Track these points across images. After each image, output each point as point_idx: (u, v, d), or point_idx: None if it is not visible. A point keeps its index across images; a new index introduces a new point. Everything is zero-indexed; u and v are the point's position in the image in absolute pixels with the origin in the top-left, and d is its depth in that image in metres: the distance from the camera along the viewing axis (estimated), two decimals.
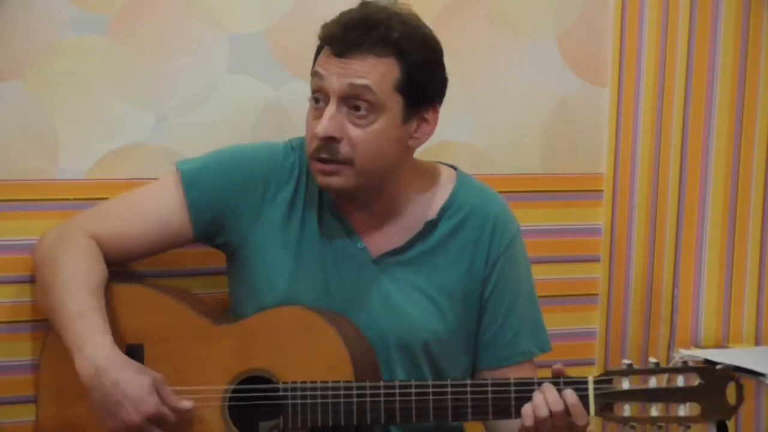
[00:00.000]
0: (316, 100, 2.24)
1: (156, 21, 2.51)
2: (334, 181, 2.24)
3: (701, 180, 2.79)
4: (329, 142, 2.21)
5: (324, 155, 2.22)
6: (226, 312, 2.42)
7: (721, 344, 2.82)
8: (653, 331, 2.81)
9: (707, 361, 2.66)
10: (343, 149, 2.21)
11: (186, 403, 2.19)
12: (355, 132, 2.20)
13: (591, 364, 2.87)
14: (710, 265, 2.81)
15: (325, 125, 2.20)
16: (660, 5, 2.76)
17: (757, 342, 2.84)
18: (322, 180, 2.25)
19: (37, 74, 2.44)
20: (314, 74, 2.24)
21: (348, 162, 2.22)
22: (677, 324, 2.79)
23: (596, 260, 2.87)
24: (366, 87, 2.19)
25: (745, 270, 2.82)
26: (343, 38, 2.20)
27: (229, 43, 2.56)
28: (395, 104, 2.22)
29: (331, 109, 2.20)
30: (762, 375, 2.57)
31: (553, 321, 2.73)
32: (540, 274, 2.68)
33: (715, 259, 2.81)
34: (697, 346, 2.80)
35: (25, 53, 2.43)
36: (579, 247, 2.85)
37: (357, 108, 2.20)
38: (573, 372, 2.80)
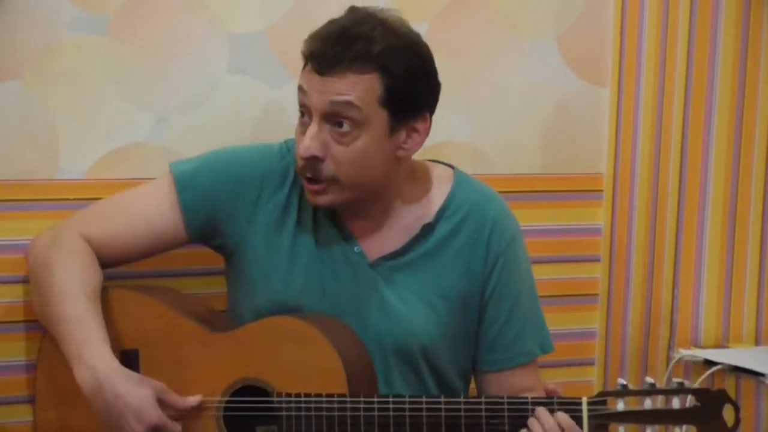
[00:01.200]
0: (302, 114, 2.22)
1: (156, 21, 2.51)
2: (323, 198, 2.22)
3: (701, 180, 2.79)
4: (313, 161, 2.18)
5: (309, 175, 2.20)
6: (221, 315, 2.42)
7: (721, 344, 2.82)
8: (653, 331, 2.81)
9: (707, 362, 2.66)
10: (327, 168, 2.19)
11: (192, 399, 2.20)
12: (337, 150, 2.18)
13: (591, 364, 2.87)
14: (710, 265, 2.81)
15: (306, 145, 2.17)
16: (660, 5, 2.76)
17: (757, 342, 2.84)
18: (311, 198, 2.24)
19: (37, 74, 2.44)
20: (299, 88, 2.21)
21: (333, 180, 2.20)
22: (677, 324, 2.79)
23: (596, 260, 2.87)
24: (348, 103, 2.15)
25: (745, 270, 2.82)
26: (322, 55, 2.16)
27: (229, 43, 2.56)
28: (379, 119, 2.18)
29: (313, 129, 2.17)
30: (762, 375, 2.57)
31: (553, 321, 2.72)
32: (540, 274, 2.68)
33: (715, 259, 2.81)
34: (697, 346, 2.80)
35: (25, 53, 2.43)
36: (579, 247, 2.85)
37: (340, 125, 2.17)
38: (573, 372, 2.83)
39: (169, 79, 2.53)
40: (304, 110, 2.20)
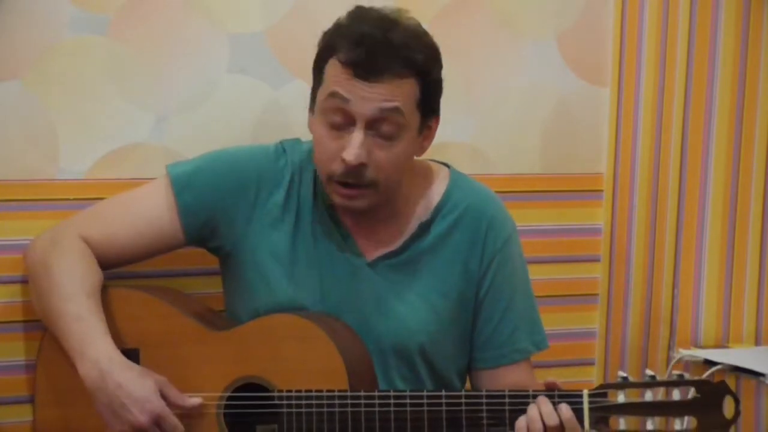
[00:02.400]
0: (333, 120, 2.19)
1: (156, 21, 2.51)
2: (357, 203, 2.23)
3: (701, 180, 2.79)
4: (358, 168, 2.18)
5: (351, 180, 2.20)
6: (221, 314, 2.42)
7: (721, 344, 2.82)
8: (653, 331, 2.81)
9: (707, 362, 2.66)
10: (370, 174, 2.19)
11: (194, 400, 2.20)
12: (380, 155, 2.19)
13: (591, 364, 2.87)
14: (710, 265, 2.81)
15: (356, 153, 2.16)
16: (660, 5, 2.76)
17: (757, 342, 2.84)
18: (344, 202, 2.23)
19: (37, 74, 2.44)
20: (334, 95, 2.18)
21: (374, 185, 2.20)
22: (677, 324, 2.79)
23: (596, 260, 2.87)
24: (396, 109, 2.17)
25: (745, 270, 2.82)
26: (368, 62, 2.15)
27: (229, 43, 2.56)
28: (415, 121, 2.21)
29: (359, 136, 2.17)
30: (762, 375, 2.57)
31: (553, 321, 2.73)
32: (540, 274, 2.69)
33: (715, 259, 2.81)
34: (697, 346, 2.80)
35: (25, 53, 2.43)
36: (579, 247, 2.85)
37: (384, 130, 2.18)
38: (573, 372, 2.83)
39: (169, 79, 2.53)
40: (340, 117, 2.18)
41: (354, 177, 2.19)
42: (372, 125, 2.18)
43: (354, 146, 2.17)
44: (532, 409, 2.12)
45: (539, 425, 2.11)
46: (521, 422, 2.13)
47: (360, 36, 2.17)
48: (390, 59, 2.16)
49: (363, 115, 2.17)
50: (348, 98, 2.17)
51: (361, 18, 2.21)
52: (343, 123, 2.18)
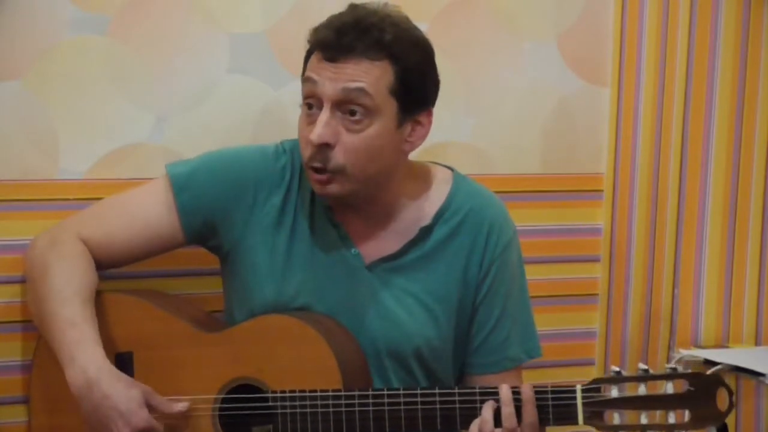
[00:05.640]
0: (309, 106, 2.21)
1: (156, 21, 2.51)
2: (330, 188, 2.22)
3: (701, 180, 2.79)
4: (323, 148, 2.18)
5: (317, 164, 2.20)
6: (213, 316, 2.42)
7: (721, 344, 2.82)
8: (653, 331, 2.81)
9: (707, 362, 2.66)
10: (336, 157, 2.18)
11: (181, 405, 2.20)
12: (349, 138, 2.18)
13: (591, 364, 2.87)
14: (710, 265, 2.81)
15: (319, 132, 2.17)
16: (660, 5, 2.76)
17: (757, 342, 2.84)
18: (318, 189, 2.23)
19: (37, 74, 2.44)
20: (306, 80, 2.21)
21: (340, 170, 2.19)
22: (677, 324, 2.79)
23: (596, 260, 2.87)
24: (361, 90, 2.16)
25: (745, 270, 2.82)
26: (335, 43, 2.17)
27: (229, 43, 2.56)
28: (390, 109, 2.20)
29: (325, 115, 2.17)
30: (762, 375, 2.57)
31: (553, 321, 2.73)
32: (540, 274, 2.69)
33: (715, 259, 2.81)
34: (697, 346, 2.80)
35: (25, 53, 2.43)
36: (579, 247, 2.85)
37: (352, 113, 2.17)
38: (573, 372, 2.83)
39: (169, 79, 2.53)
40: (312, 102, 2.20)
41: (320, 160, 2.19)
42: (339, 106, 2.18)
43: (318, 125, 2.17)
44: (486, 410, 2.13)
45: (490, 426, 2.12)
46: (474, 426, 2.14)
47: (331, 19, 2.20)
48: (357, 39, 2.16)
49: (328, 95, 2.17)
50: (316, 80, 2.18)
51: (346, 11, 2.22)
52: (316, 107, 2.20)
